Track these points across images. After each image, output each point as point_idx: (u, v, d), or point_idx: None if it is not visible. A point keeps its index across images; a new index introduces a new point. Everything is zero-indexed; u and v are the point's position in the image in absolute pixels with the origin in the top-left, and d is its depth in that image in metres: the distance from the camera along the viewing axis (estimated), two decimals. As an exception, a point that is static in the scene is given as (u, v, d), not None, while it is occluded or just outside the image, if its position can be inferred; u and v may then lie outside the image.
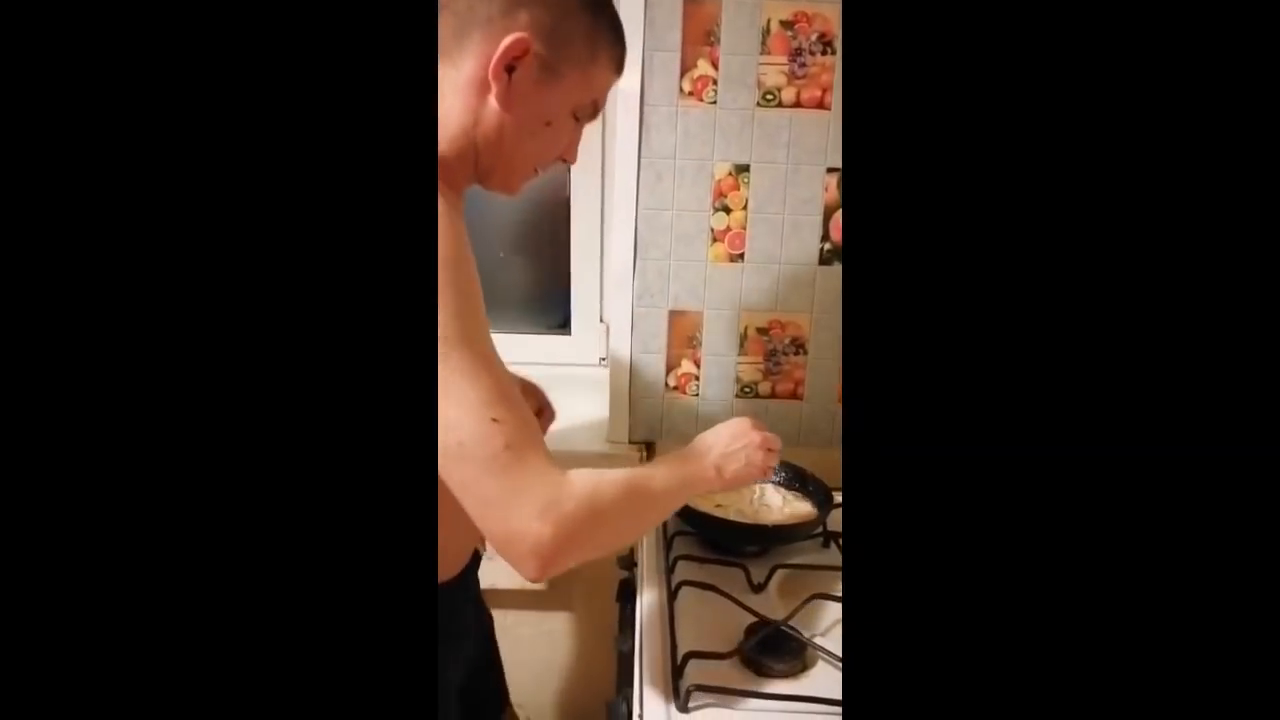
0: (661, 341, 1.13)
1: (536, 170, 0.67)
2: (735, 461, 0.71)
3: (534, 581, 0.55)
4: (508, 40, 0.56)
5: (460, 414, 0.50)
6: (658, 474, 0.65)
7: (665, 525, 0.95)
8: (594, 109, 0.65)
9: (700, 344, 1.13)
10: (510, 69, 0.58)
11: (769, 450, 0.74)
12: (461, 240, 0.56)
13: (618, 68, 0.65)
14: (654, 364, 1.14)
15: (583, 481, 0.54)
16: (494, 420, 0.51)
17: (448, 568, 0.76)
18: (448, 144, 0.60)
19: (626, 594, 0.98)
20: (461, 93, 0.59)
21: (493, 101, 0.59)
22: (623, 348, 1.13)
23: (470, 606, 0.87)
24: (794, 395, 1.15)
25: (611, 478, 0.58)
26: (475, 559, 0.85)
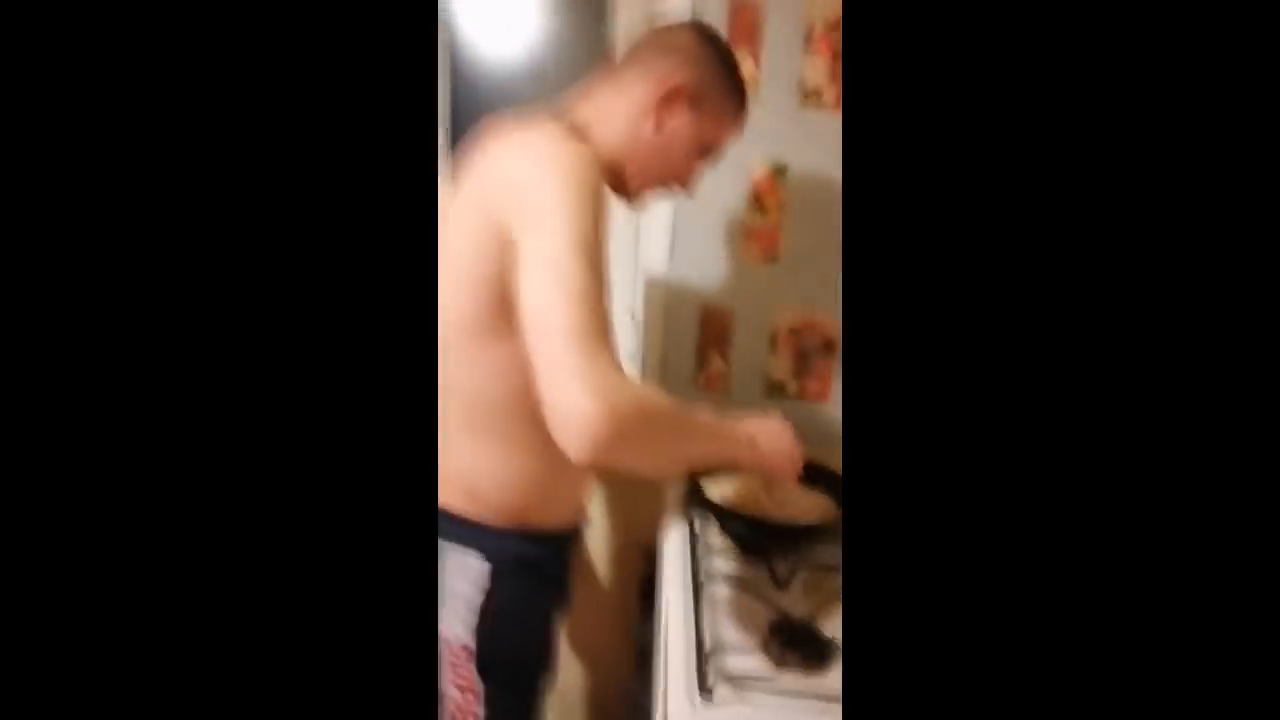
0: (692, 339, 1.13)
1: (660, 189, 0.84)
2: (767, 438, 0.82)
3: (579, 459, 0.60)
4: (670, 83, 0.78)
5: (561, 298, 0.62)
6: (701, 413, 0.74)
7: (691, 520, 0.96)
8: (716, 151, 0.84)
9: (731, 342, 1.13)
10: (667, 102, 0.79)
11: (796, 444, 0.85)
12: (600, 194, 0.70)
13: (739, 127, 0.86)
14: (684, 361, 1.14)
15: (641, 387, 0.65)
16: (591, 312, 0.62)
17: (567, 518, 0.87)
18: (607, 153, 0.79)
19: (648, 587, 0.99)
20: (628, 116, 0.80)
21: (649, 126, 0.79)
22: (654, 343, 1.14)
23: (569, 570, 0.94)
24: (822, 396, 1.15)
25: (663, 398, 0.69)
26: (578, 530, 0.93)
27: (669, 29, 0.83)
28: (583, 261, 0.64)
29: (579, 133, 0.78)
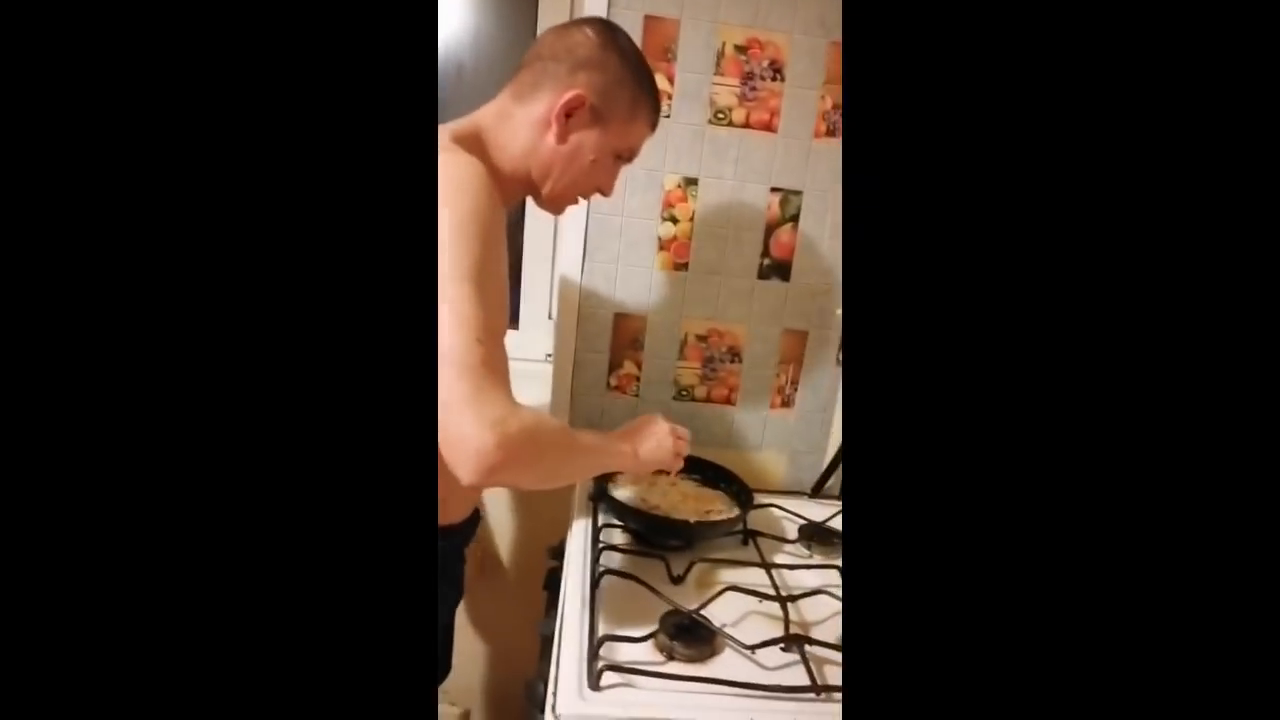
0: (605, 342, 1.17)
1: (578, 198, 0.83)
2: (647, 442, 0.86)
3: (468, 485, 0.62)
4: (569, 94, 0.74)
5: (455, 328, 0.61)
6: (585, 434, 0.81)
7: (594, 517, 0.99)
8: (630, 154, 0.83)
9: (643, 347, 1.17)
10: (568, 115, 0.75)
11: (678, 438, 0.88)
12: (489, 214, 0.67)
13: (652, 125, 0.83)
14: (597, 363, 1.18)
15: (531, 414, 0.65)
16: (478, 341, 0.62)
17: (453, 513, 0.87)
18: (509, 162, 0.77)
19: (554, 583, 1.01)
20: (529, 127, 0.76)
21: (551, 138, 0.76)
22: (568, 345, 1.17)
23: (462, 561, 0.95)
24: (727, 401, 1.20)
25: (552, 422, 0.70)
26: (474, 517, 0.93)
27: (569, 28, 0.78)
28: (470, 288, 0.63)
29: (471, 140, 0.76)
